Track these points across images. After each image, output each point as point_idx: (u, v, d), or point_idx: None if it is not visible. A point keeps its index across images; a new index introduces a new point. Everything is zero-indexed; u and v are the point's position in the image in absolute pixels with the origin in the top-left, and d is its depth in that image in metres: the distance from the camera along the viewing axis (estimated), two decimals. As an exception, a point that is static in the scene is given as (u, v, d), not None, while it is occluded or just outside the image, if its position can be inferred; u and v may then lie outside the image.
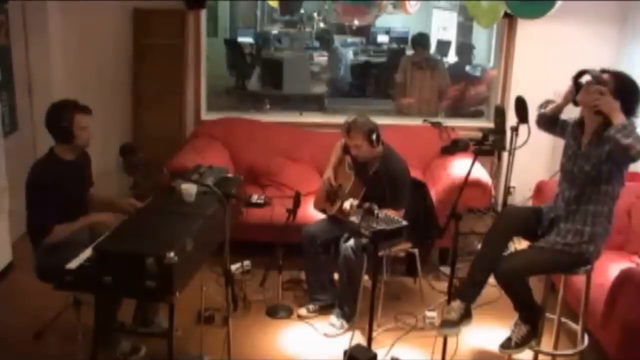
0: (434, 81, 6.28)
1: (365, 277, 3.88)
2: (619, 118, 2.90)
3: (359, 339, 3.51)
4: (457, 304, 3.22)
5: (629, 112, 3.00)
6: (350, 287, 3.79)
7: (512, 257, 3.26)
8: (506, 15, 5.05)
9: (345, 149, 4.11)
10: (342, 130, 3.90)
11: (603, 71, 3.07)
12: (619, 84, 3.01)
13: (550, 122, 3.34)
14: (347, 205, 3.76)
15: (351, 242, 3.72)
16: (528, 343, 3.28)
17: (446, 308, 3.28)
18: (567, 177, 3.21)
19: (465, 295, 3.25)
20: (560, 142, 3.32)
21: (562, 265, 3.18)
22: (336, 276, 4.01)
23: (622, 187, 3.13)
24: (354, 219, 3.26)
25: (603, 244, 3.16)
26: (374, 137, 3.80)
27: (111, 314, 3.37)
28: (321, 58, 8.42)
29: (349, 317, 3.84)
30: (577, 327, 3.37)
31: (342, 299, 3.85)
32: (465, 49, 8.27)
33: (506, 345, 3.26)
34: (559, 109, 3.29)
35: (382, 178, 3.85)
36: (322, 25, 9.48)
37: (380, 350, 3.49)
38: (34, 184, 3.28)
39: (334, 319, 3.86)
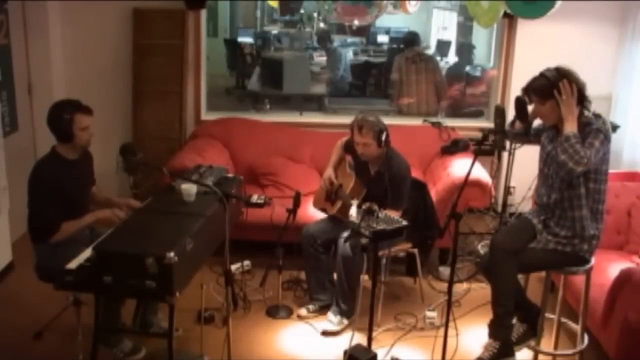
0: (429, 75, 6.31)
1: (365, 277, 3.89)
2: (568, 127, 2.92)
3: (359, 339, 3.51)
4: (489, 343, 3.21)
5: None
6: (348, 283, 3.79)
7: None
8: (506, 15, 5.06)
9: (347, 148, 4.11)
10: (354, 127, 3.85)
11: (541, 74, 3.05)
12: (548, 83, 2.99)
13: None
14: (352, 212, 3.65)
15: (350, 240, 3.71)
16: (526, 342, 3.29)
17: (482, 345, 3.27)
18: (546, 183, 3.19)
19: (497, 332, 3.21)
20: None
21: (557, 263, 3.16)
22: (335, 275, 4.01)
23: (605, 184, 3.08)
24: (354, 219, 3.25)
25: (598, 241, 3.13)
26: (383, 137, 3.79)
27: (115, 313, 3.38)
28: (321, 58, 8.41)
29: (346, 313, 3.85)
30: (577, 327, 3.37)
31: (339, 296, 3.85)
32: (465, 49, 8.27)
33: None
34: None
35: (384, 178, 3.85)
36: (322, 25, 9.47)
37: (380, 350, 3.49)
38: (37, 183, 3.29)
39: (331, 315, 3.86)
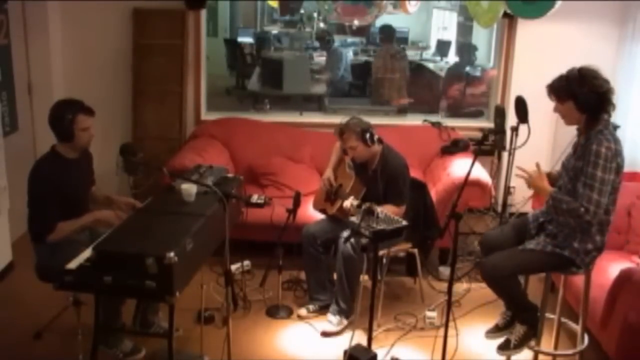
0: (402, 71, 6.56)
1: (365, 277, 3.89)
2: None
3: (359, 339, 3.51)
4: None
5: (587, 109, 2.94)
6: (348, 283, 3.79)
7: (495, 255, 3.17)
8: (506, 15, 5.06)
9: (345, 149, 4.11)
10: (335, 134, 3.92)
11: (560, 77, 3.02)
12: (565, 84, 2.97)
13: None
14: (347, 204, 3.76)
15: (350, 240, 3.72)
16: (526, 343, 3.28)
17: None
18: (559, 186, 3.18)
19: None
20: (559, 142, 3.31)
21: (554, 266, 3.14)
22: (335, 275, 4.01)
23: (615, 194, 3.01)
24: (354, 219, 3.26)
25: (599, 252, 3.06)
26: (368, 136, 3.80)
27: (115, 313, 3.38)
28: (321, 58, 8.42)
29: (346, 313, 3.85)
30: (577, 327, 3.37)
31: (339, 295, 3.85)
32: (466, 49, 8.27)
33: (504, 347, 3.26)
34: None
35: (382, 176, 3.85)
36: (322, 25, 9.47)
37: (380, 350, 3.50)
38: (36, 181, 3.28)
39: (330, 316, 3.86)
